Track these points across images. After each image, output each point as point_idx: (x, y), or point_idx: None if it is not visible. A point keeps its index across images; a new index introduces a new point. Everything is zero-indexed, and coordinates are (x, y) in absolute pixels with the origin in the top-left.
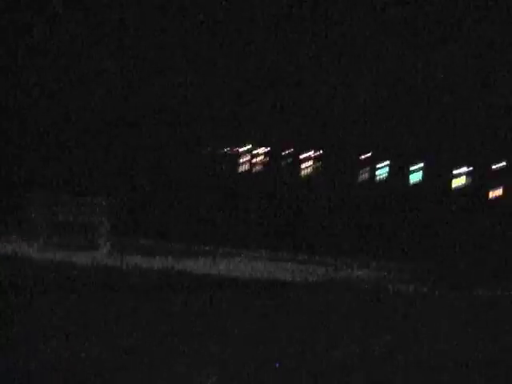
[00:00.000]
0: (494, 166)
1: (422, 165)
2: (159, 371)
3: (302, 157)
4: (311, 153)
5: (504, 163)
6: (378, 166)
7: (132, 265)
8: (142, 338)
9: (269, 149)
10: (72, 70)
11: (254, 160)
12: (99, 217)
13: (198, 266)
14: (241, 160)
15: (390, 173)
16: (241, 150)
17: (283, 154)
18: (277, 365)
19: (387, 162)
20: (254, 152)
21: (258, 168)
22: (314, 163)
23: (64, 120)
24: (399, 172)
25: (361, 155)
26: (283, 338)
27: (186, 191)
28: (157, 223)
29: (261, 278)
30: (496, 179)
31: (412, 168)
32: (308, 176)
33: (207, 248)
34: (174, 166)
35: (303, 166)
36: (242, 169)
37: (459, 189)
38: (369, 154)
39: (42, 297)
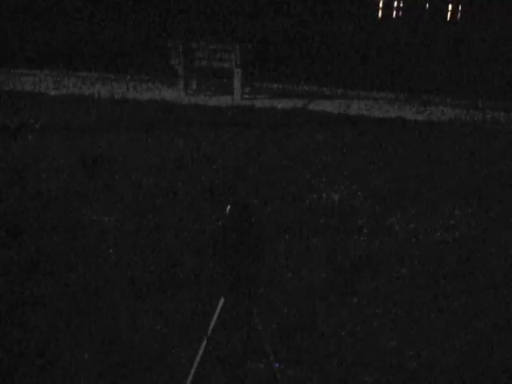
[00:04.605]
0: None
1: None
2: None
3: None
4: None
5: None
6: None
7: (263, 105)
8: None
9: None
10: None
11: None
12: (233, 63)
13: (328, 106)
14: None
15: None
16: None
17: None
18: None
19: None
20: None
21: None
22: None
23: None
24: None
25: None
26: None
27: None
28: (288, 68)
29: (387, 116)
30: None
31: None
32: None
33: (340, 91)
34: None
35: None
36: None
37: None
38: None
39: (185, 130)
